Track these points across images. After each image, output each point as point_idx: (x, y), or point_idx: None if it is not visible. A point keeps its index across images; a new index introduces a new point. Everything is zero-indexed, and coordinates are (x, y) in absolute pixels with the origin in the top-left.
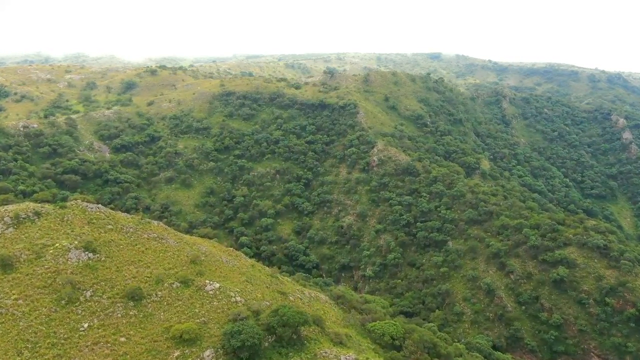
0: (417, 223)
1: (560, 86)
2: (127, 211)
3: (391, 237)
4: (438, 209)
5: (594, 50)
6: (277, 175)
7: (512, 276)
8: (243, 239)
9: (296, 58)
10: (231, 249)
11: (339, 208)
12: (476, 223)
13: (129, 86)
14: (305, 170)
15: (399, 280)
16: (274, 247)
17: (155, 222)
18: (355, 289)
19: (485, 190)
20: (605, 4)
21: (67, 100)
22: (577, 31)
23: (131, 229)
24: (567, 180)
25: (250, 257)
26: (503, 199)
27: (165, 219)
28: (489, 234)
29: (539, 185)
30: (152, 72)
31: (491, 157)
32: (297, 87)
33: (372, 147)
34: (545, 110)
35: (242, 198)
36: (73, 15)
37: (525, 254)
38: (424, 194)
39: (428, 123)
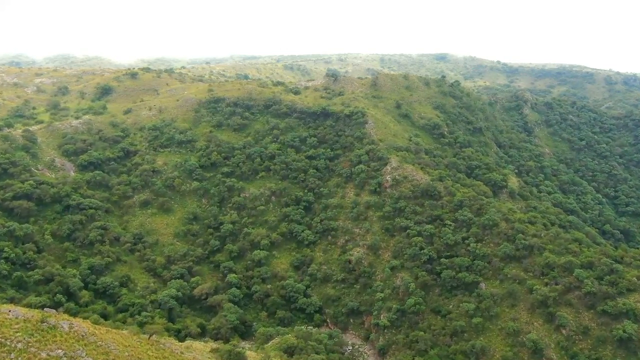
0: (441, 259)
1: (575, 88)
2: (91, 244)
3: (410, 275)
4: (466, 241)
5: (603, 50)
6: (273, 197)
7: (564, 331)
8: (231, 276)
9: (295, 59)
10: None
11: (346, 238)
12: (514, 260)
13: (104, 91)
14: (306, 191)
15: (422, 332)
16: (269, 286)
17: (65, 325)
18: (367, 339)
19: (521, 218)
20: (614, 3)
21: (33, 108)
22: (584, 31)
23: (19, 345)
24: (599, 196)
25: (240, 299)
26: (543, 229)
27: (139, 252)
28: (530, 274)
29: (570, 203)
30: (133, 75)
31: (516, 170)
32: (296, 93)
33: (385, 164)
34: (571, 116)
35: (231, 225)
36: (62, 15)
37: (579, 303)
38: (448, 222)
39: (445, 133)
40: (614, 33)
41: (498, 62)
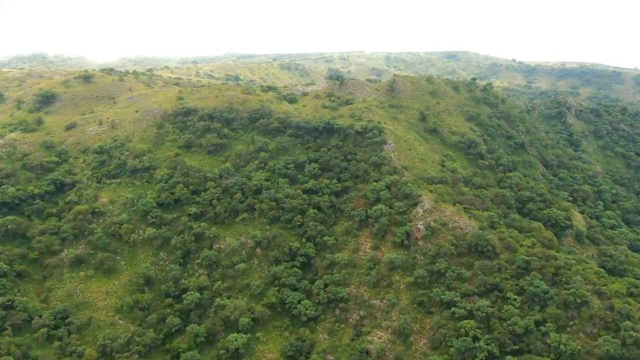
0: (507, 356)
1: (602, 89)
2: None
3: None
4: (542, 327)
5: (623, 47)
6: (258, 250)
7: None
8: None
9: (293, 58)
10: None
11: (361, 313)
12: None
13: (46, 99)
14: (304, 240)
15: None
16: None
17: None
18: None
19: (619, 290)
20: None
21: None
22: (600, 27)
23: None
24: None
25: None
26: None
27: (59, 342)
28: None
29: None
30: (86, 78)
31: (570, 198)
32: (292, 101)
33: (414, 205)
34: (622, 125)
35: (198, 294)
36: (43, 11)
37: None
38: (512, 296)
39: (484, 153)
40: (632, 29)
41: (513, 60)
